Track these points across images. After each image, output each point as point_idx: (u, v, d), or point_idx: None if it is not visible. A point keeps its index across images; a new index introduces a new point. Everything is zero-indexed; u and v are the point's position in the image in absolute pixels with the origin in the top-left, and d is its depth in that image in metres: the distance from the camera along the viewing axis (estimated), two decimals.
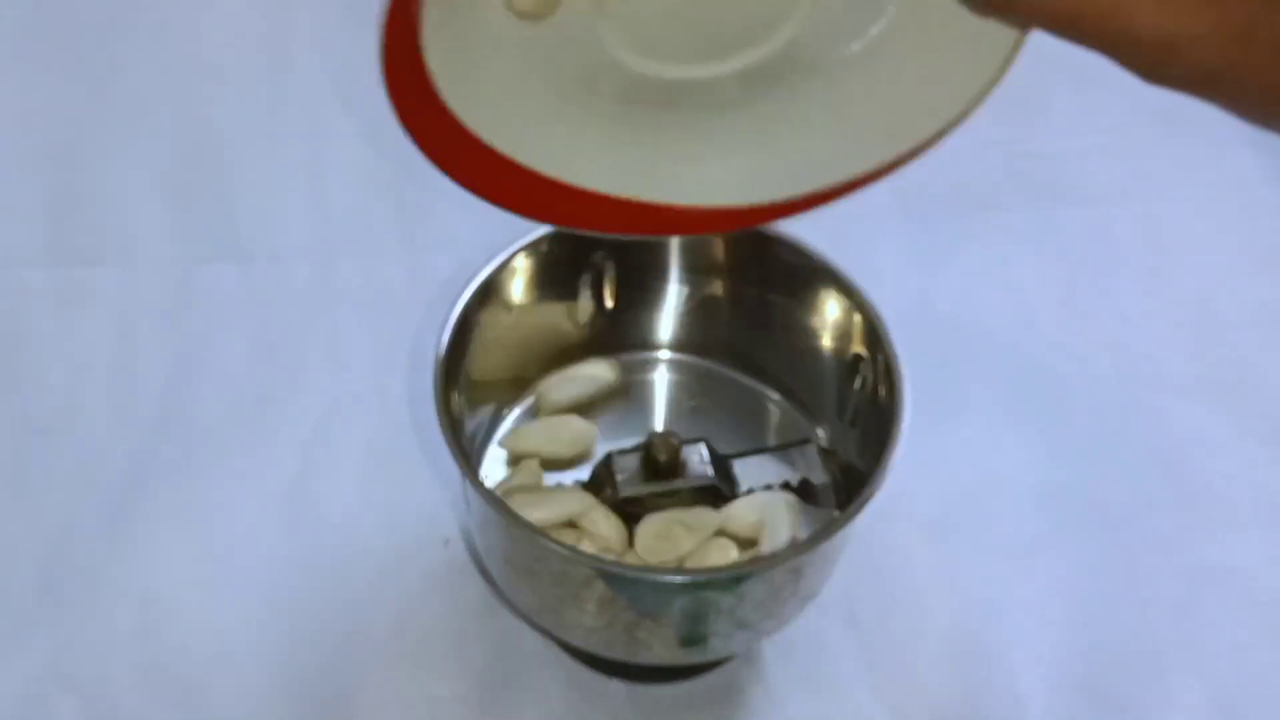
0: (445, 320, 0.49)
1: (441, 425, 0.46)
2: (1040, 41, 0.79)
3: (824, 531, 0.45)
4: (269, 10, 0.72)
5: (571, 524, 0.50)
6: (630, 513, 0.50)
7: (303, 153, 0.67)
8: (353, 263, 0.63)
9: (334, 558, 0.55)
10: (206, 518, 0.56)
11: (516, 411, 0.55)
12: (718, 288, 0.54)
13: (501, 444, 0.54)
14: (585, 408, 0.54)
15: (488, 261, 0.51)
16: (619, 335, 0.55)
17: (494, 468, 0.53)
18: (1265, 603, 0.56)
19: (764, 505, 0.51)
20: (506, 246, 0.51)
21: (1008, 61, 0.38)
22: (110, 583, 0.54)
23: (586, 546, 0.48)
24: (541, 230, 0.51)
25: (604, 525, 0.50)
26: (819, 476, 0.52)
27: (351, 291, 0.63)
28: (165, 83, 0.69)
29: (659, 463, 0.50)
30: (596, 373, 0.55)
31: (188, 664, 0.52)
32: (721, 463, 0.51)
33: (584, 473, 0.52)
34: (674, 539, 0.49)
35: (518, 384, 0.54)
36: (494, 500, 0.45)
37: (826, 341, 0.52)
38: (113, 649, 0.53)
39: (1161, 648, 0.54)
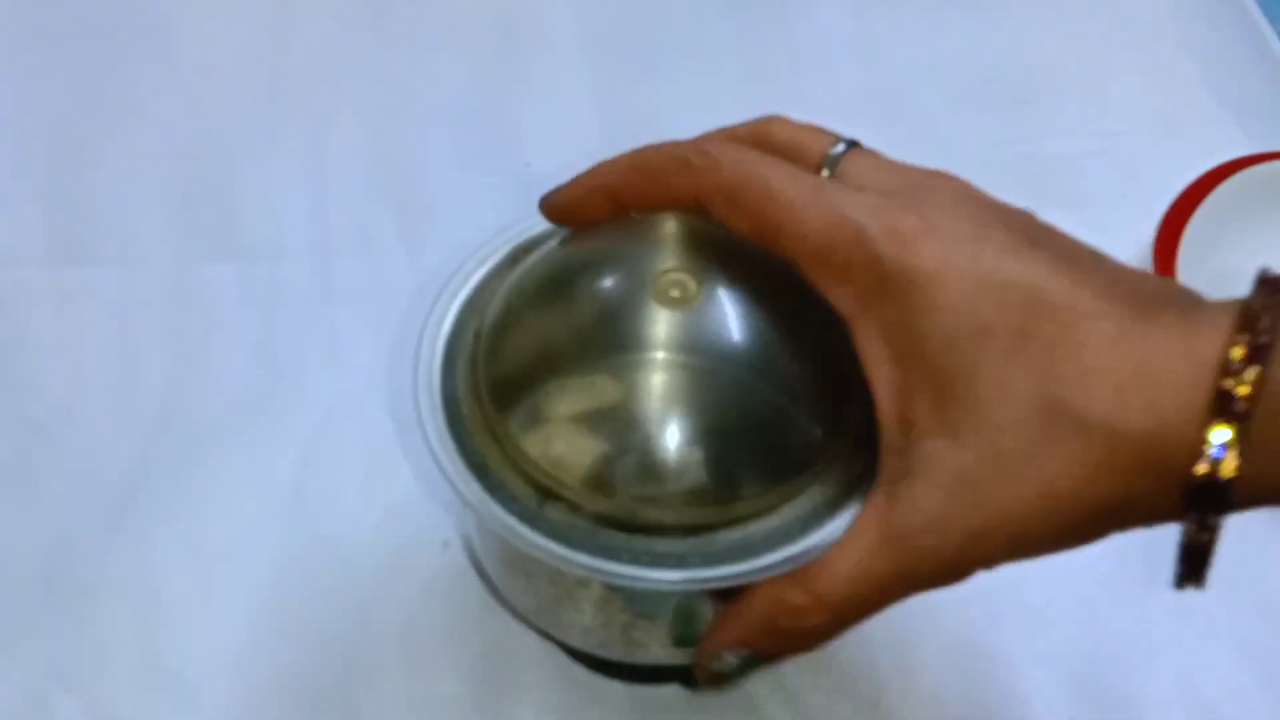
0: (440, 320, 0.48)
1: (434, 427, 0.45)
2: (1041, 45, 0.80)
3: (821, 534, 0.44)
4: (269, 10, 0.71)
5: None
6: None
7: (302, 152, 0.67)
8: (353, 263, 0.63)
9: (333, 558, 0.55)
10: (206, 518, 0.56)
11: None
12: (721, 286, 0.54)
13: None
14: (590, 420, 0.54)
15: (482, 261, 0.50)
16: (618, 336, 0.55)
17: None
18: (1268, 601, 0.56)
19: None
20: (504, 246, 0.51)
21: None
22: (110, 583, 0.54)
23: None
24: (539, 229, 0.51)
25: None
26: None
27: (351, 291, 0.62)
28: (165, 82, 0.69)
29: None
30: (602, 386, 0.54)
31: (187, 664, 0.52)
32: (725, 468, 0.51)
33: None
34: None
35: (518, 387, 0.54)
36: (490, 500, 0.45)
37: (830, 344, 0.52)
38: (112, 650, 0.52)
39: (1163, 648, 0.54)
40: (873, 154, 0.42)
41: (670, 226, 0.45)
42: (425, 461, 0.45)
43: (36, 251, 0.63)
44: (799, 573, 0.40)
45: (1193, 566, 0.36)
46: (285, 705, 0.52)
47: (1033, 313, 0.36)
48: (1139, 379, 0.34)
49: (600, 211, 0.44)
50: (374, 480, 0.57)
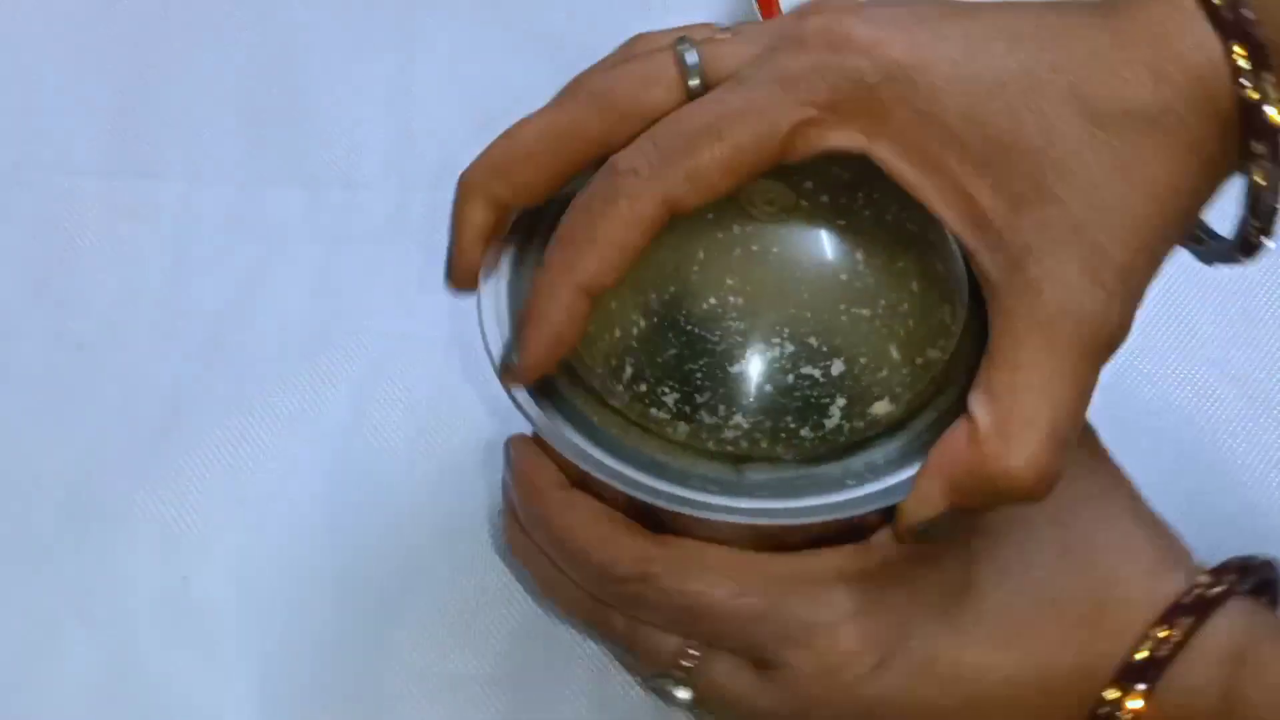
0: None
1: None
2: None
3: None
4: None
5: None
6: None
7: (389, 75, 0.63)
8: (431, 198, 0.58)
9: (379, 516, 0.52)
10: (245, 457, 0.53)
11: None
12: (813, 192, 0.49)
13: None
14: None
15: None
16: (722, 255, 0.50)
17: None
18: None
19: None
20: None
21: None
22: (137, 515, 0.52)
23: None
24: None
25: None
26: None
27: (427, 229, 0.58)
28: None
29: None
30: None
31: (210, 608, 0.50)
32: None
33: None
34: None
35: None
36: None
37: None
38: (135, 584, 0.51)
39: None
40: (717, 36, 0.40)
41: None
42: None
43: (94, 159, 0.60)
44: (983, 418, 0.37)
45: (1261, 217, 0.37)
46: (312, 664, 0.49)
47: (1028, 51, 0.36)
48: (1158, 52, 0.36)
49: None
50: (430, 436, 0.54)
